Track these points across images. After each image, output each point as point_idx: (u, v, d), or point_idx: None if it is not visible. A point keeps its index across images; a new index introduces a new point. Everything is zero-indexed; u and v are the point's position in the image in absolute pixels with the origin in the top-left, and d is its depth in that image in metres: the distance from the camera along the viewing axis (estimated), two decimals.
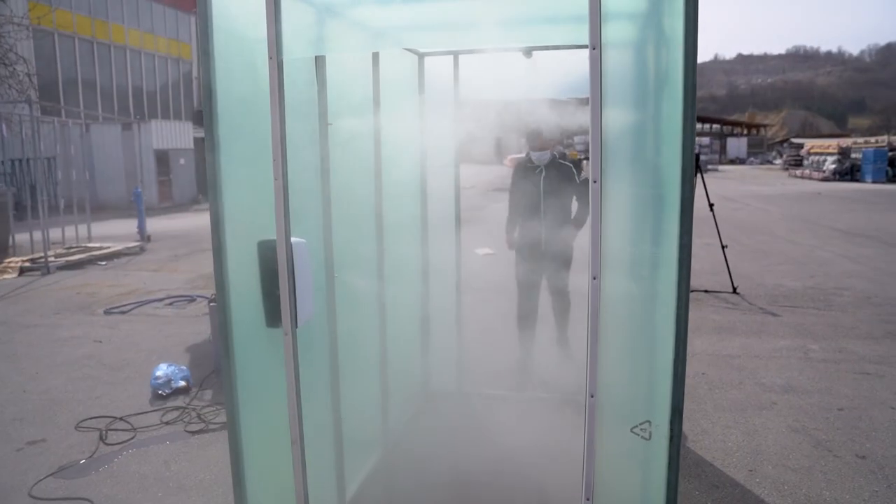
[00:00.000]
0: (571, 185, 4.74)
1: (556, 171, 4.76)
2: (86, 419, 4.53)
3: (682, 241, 1.74)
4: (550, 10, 3.21)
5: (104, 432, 4.31)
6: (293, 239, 2.06)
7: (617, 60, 2.49)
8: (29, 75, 14.05)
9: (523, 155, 4.89)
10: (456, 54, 4.14)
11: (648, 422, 1.89)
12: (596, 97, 1.69)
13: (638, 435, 1.89)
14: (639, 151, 2.32)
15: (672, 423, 1.85)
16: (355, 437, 3.19)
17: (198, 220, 17.43)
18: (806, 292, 7.98)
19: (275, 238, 2.03)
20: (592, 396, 1.83)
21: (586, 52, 3.90)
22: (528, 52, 3.92)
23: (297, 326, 2.08)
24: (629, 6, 2.77)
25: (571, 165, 4.81)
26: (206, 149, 2.06)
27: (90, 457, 3.98)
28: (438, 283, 4.27)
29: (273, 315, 2.10)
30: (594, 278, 1.77)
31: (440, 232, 4.24)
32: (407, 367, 4.09)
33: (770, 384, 4.89)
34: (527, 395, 4.45)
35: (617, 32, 2.49)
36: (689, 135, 1.70)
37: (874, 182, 29.34)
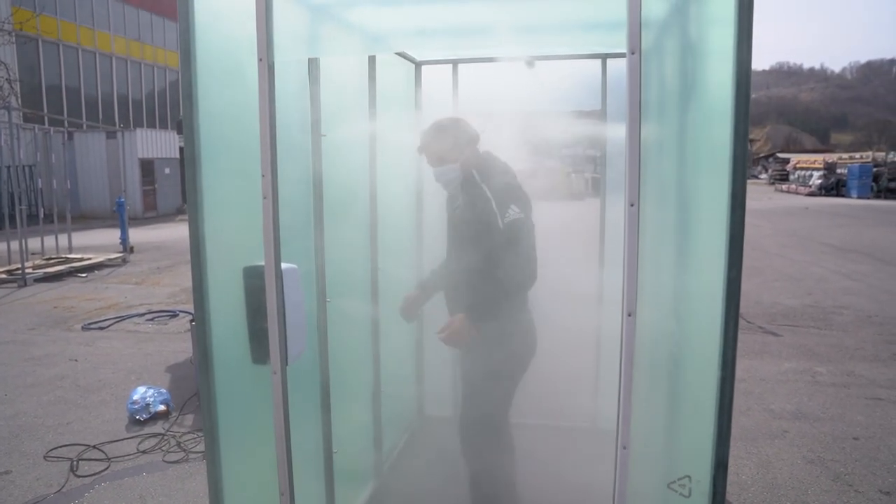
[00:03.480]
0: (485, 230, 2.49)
1: (468, 207, 2.58)
2: (56, 447, 4.22)
3: (731, 274, 1.53)
4: (557, 18, 3.02)
5: (75, 462, 4.02)
6: (283, 265, 1.83)
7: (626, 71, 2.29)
8: (10, 81, 13.70)
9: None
10: (455, 63, 3.94)
11: (688, 477, 1.66)
12: (635, 108, 1.47)
13: (676, 492, 1.67)
14: (667, 170, 2.11)
15: (715, 478, 1.63)
16: (347, 468, 2.97)
17: (182, 231, 17.07)
18: (805, 311, 7.83)
19: (262, 264, 1.80)
20: (625, 448, 1.61)
21: (591, 62, 3.76)
22: (531, 61, 3.73)
23: (287, 364, 1.83)
24: (644, 13, 2.58)
25: (490, 192, 2.55)
26: (185, 162, 1.82)
27: (59, 491, 3.68)
28: (432, 302, 4.04)
29: (260, 351, 1.85)
30: (629, 315, 1.55)
31: (435, 249, 4.02)
32: (401, 392, 3.86)
33: (779, 410, 4.69)
34: (528, 420, 4.22)
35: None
36: (740, 153, 1.49)
37: (859, 197, 29.57)
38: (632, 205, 1.51)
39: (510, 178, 2.62)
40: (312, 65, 2.45)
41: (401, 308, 2.94)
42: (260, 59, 1.74)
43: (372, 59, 3.09)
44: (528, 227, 2.51)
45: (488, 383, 2.69)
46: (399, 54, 3.57)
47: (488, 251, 2.48)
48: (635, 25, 1.48)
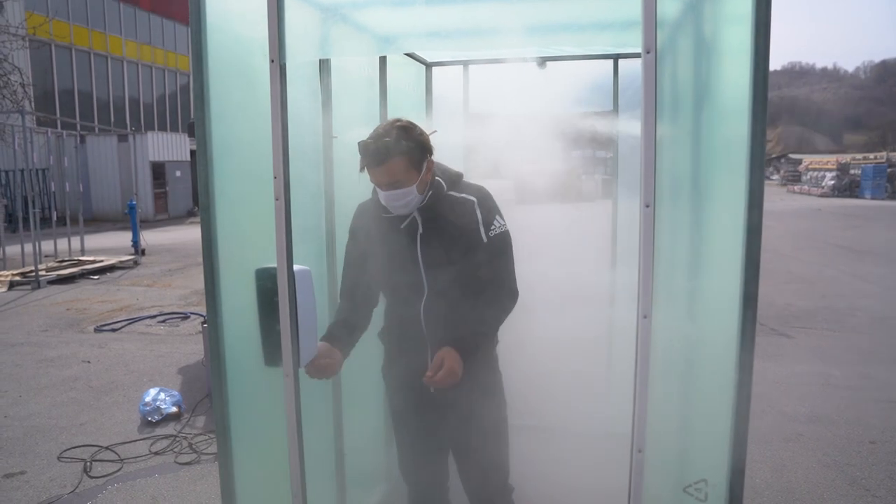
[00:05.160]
0: (471, 246, 2.14)
1: (447, 220, 2.16)
2: (70, 448, 4.25)
3: (748, 275, 1.51)
4: (569, 18, 3.01)
5: (88, 463, 4.04)
6: (296, 267, 1.82)
7: (639, 70, 2.27)
8: (24, 85, 13.84)
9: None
10: (465, 64, 3.93)
11: (704, 481, 1.64)
12: (650, 107, 1.46)
13: (692, 496, 1.65)
14: (682, 170, 2.09)
15: (732, 482, 1.61)
16: (358, 470, 2.96)
17: (193, 234, 17.19)
18: (818, 312, 7.75)
19: (275, 266, 1.79)
20: (640, 452, 1.59)
21: (602, 62, 3.74)
22: (543, 62, 3.72)
23: (299, 366, 1.83)
24: (658, 12, 2.56)
25: (475, 200, 2.18)
26: (197, 164, 1.83)
27: (73, 491, 3.70)
28: None
29: (272, 353, 1.85)
30: (644, 317, 1.53)
31: None
32: None
33: (793, 413, 4.64)
34: (539, 423, 4.19)
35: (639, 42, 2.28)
36: (758, 153, 1.47)
37: (873, 198, 29.28)
38: (647, 205, 1.49)
39: (481, 186, 2.26)
40: (323, 66, 2.45)
41: (316, 368, 2.08)
42: (272, 61, 1.73)
43: (383, 61, 3.09)
44: (511, 241, 2.21)
45: (494, 438, 2.33)
46: (410, 55, 3.57)
47: (470, 270, 2.13)
48: (650, 24, 1.47)
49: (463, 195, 2.18)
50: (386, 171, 2.03)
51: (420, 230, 2.16)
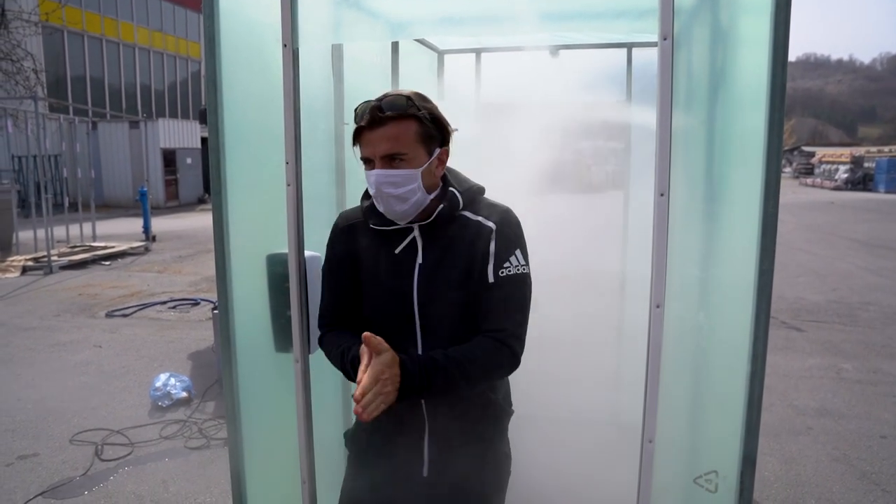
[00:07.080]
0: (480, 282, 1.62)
1: (455, 249, 1.65)
2: (81, 432, 4.30)
3: (763, 265, 1.49)
4: (583, 5, 2.98)
5: (100, 447, 4.08)
6: (307, 253, 1.82)
7: (653, 59, 2.24)
8: (36, 71, 13.90)
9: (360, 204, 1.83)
10: (478, 52, 3.90)
11: (715, 472, 1.63)
12: (666, 95, 1.44)
13: (702, 487, 1.64)
14: (696, 160, 2.07)
15: (743, 474, 1.60)
16: None
17: (203, 220, 17.27)
18: (829, 306, 7.69)
19: (286, 252, 1.79)
20: (650, 442, 1.58)
21: (615, 51, 3.70)
22: (555, 51, 3.69)
23: (310, 353, 1.83)
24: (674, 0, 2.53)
25: (493, 227, 1.62)
26: (209, 149, 1.83)
27: (84, 474, 3.75)
28: None
29: (283, 339, 1.85)
30: (657, 307, 1.52)
31: None
32: None
33: (803, 407, 4.62)
34: (549, 413, 4.19)
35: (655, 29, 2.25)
36: (775, 143, 1.45)
37: (887, 192, 28.93)
38: (661, 194, 1.48)
39: (507, 208, 1.70)
40: (335, 51, 2.44)
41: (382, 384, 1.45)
42: (284, 45, 1.72)
43: (395, 47, 3.08)
44: (529, 288, 1.65)
45: None
46: (422, 43, 3.55)
47: (469, 316, 1.63)
48: (668, 10, 1.45)
49: (479, 219, 1.65)
50: (385, 134, 1.53)
51: (419, 259, 1.65)
